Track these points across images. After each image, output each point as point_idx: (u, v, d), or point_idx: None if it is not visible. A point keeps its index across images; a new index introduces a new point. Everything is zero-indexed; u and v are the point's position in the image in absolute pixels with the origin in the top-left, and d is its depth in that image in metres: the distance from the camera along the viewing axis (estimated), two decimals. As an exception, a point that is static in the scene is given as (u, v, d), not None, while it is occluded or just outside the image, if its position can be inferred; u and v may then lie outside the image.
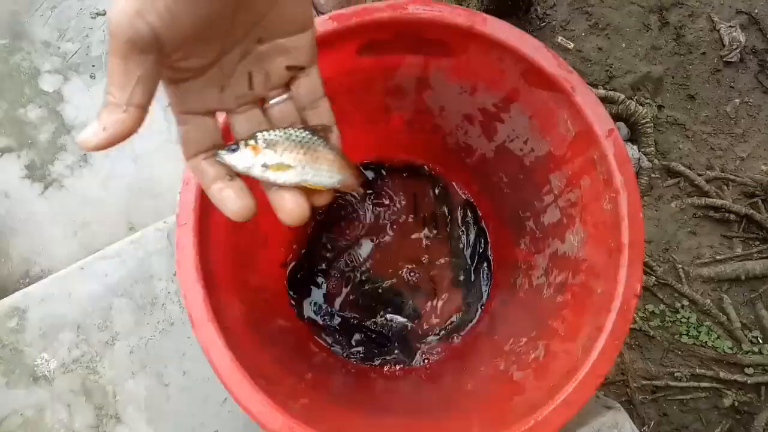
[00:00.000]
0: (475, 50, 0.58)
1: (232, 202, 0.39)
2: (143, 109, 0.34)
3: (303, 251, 0.82)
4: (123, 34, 0.31)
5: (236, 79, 0.39)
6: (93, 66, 1.12)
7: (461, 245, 0.85)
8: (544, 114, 0.60)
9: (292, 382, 0.55)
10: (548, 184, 0.66)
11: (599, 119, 0.54)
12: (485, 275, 0.84)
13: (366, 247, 0.84)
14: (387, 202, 0.86)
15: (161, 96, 1.15)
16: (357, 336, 0.79)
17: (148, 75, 0.33)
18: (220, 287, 0.52)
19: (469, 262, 0.84)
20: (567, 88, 0.55)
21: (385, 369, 0.76)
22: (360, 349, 0.78)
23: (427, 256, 0.84)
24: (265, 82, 0.40)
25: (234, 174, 0.40)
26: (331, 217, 0.84)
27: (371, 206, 0.85)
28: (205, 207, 0.51)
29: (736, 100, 1.44)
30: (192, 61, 0.36)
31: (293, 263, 0.81)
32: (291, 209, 0.40)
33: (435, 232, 0.85)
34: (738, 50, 1.46)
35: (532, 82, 0.58)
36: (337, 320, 0.79)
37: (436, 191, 0.86)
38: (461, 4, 1.44)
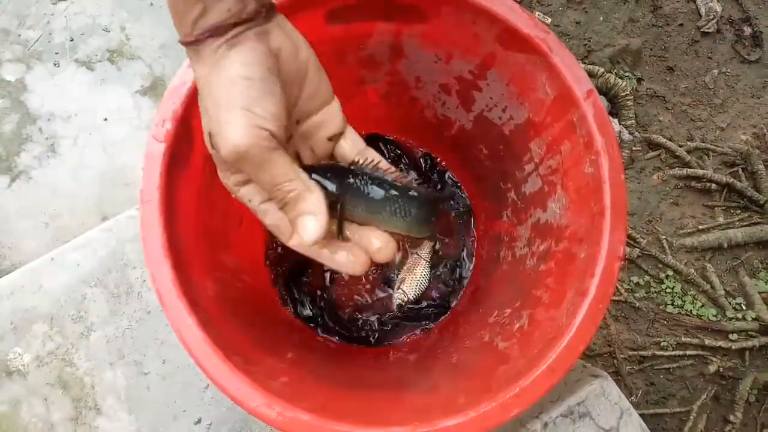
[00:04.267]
0: (448, 13, 0.57)
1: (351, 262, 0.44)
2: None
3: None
4: (256, 149, 0.36)
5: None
6: (56, 53, 1.08)
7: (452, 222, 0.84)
8: (522, 78, 0.59)
9: (272, 362, 0.53)
10: (528, 152, 0.65)
11: (577, 80, 0.53)
12: (468, 249, 0.83)
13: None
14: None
15: (131, 83, 1.10)
16: (337, 320, 0.77)
17: (291, 159, 0.39)
18: (191, 266, 0.50)
19: (459, 237, 0.83)
20: (543, 48, 0.53)
21: (368, 348, 0.75)
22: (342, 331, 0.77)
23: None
24: (312, 156, 0.46)
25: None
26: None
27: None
28: (170, 184, 0.49)
29: (715, 71, 1.44)
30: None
31: (274, 250, 0.79)
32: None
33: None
34: (715, 20, 1.46)
35: (508, 45, 0.56)
36: (320, 303, 0.78)
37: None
38: (436, -20, 1.42)
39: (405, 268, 0.78)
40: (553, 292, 0.56)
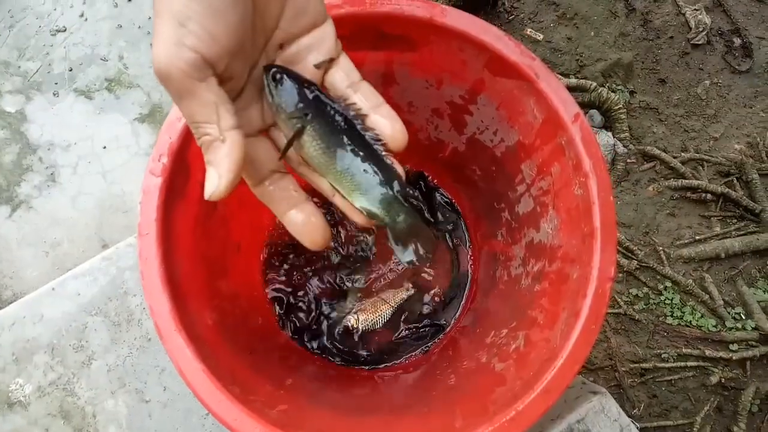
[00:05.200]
0: (436, 42, 0.58)
1: (309, 231, 0.39)
2: (239, 131, 0.34)
3: (281, 254, 0.81)
4: (176, 70, 0.31)
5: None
6: (56, 84, 1.10)
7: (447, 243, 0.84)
8: (511, 103, 0.60)
9: (270, 389, 0.54)
10: (520, 173, 0.66)
11: (564, 104, 0.54)
12: (466, 268, 0.83)
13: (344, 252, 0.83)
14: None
15: (129, 111, 1.12)
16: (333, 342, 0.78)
17: (222, 97, 0.33)
18: (189, 297, 0.51)
19: (454, 257, 0.84)
20: (530, 75, 0.54)
21: (367, 369, 0.75)
22: (340, 353, 0.77)
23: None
24: None
25: (307, 197, 0.40)
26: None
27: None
28: (167, 216, 0.50)
29: (706, 82, 1.46)
30: (234, 82, 0.36)
31: (271, 272, 0.80)
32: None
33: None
34: (704, 32, 1.48)
35: (496, 71, 0.58)
36: (315, 326, 0.78)
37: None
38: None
39: (370, 301, 0.79)
40: (548, 312, 0.57)
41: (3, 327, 0.80)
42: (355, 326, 0.77)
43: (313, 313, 0.79)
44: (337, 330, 0.78)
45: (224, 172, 0.33)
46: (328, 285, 0.81)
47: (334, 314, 0.79)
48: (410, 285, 0.80)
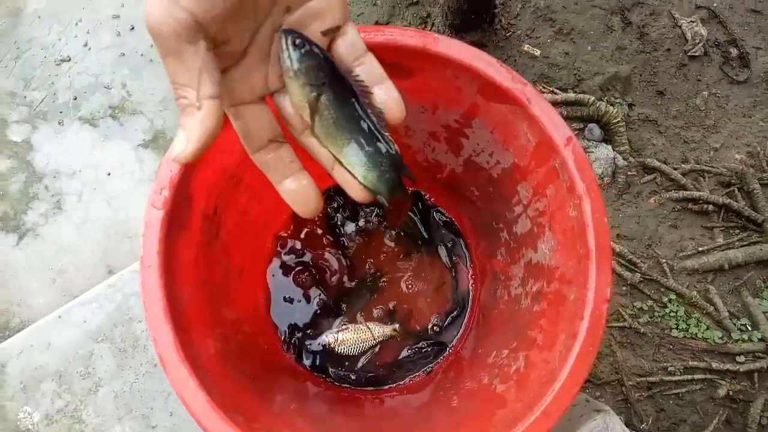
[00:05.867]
0: (430, 70, 0.59)
1: (302, 200, 0.40)
2: (217, 101, 0.34)
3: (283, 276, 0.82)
4: (166, 28, 0.30)
5: (275, 57, 0.38)
6: (61, 112, 1.12)
7: (444, 261, 0.85)
8: (505, 126, 0.61)
9: (274, 415, 0.54)
10: (517, 194, 0.67)
11: (556, 128, 0.55)
12: (467, 287, 0.84)
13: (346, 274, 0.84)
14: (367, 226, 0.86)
15: (133, 137, 1.14)
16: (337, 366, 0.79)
17: (208, 63, 0.33)
18: (192, 326, 0.52)
19: (453, 275, 0.84)
20: (522, 100, 0.56)
21: (371, 391, 0.75)
22: (344, 376, 0.78)
23: (411, 277, 0.84)
24: None
25: (302, 167, 0.41)
26: (312, 243, 0.84)
27: (350, 237, 0.85)
28: (170, 247, 0.51)
29: (705, 93, 1.46)
30: (231, 45, 0.36)
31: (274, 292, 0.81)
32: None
33: (419, 252, 0.86)
34: (701, 44, 1.49)
35: (489, 96, 0.59)
36: (318, 348, 0.79)
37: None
38: (426, 21, 1.46)
39: (354, 326, 0.80)
40: (547, 333, 0.57)
41: (11, 356, 0.81)
42: (331, 345, 0.77)
43: (312, 333, 0.80)
44: (313, 344, 0.79)
45: (193, 138, 0.33)
46: (328, 304, 0.82)
47: (321, 332, 0.80)
48: (398, 326, 0.81)
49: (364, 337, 0.78)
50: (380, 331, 0.79)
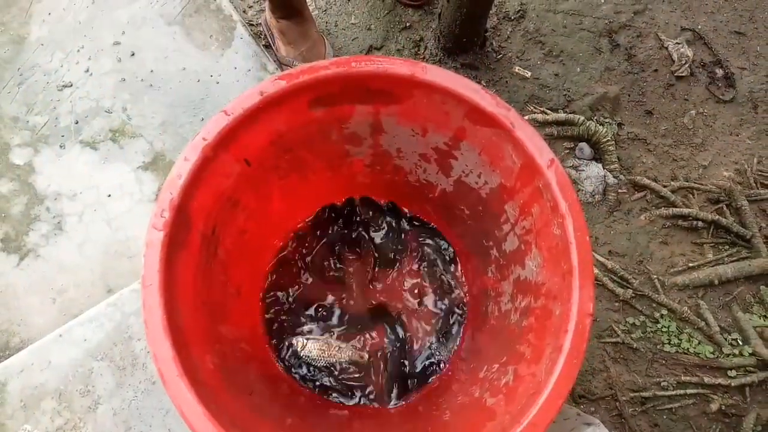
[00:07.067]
0: (419, 96, 0.62)
1: None
2: None
3: (280, 295, 0.84)
4: None
5: None
6: (62, 136, 1.15)
7: (437, 276, 0.87)
8: (491, 149, 0.64)
9: (271, 429, 0.56)
10: (504, 213, 0.69)
11: (539, 151, 0.58)
12: (461, 304, 0.86)
13: (336, 300, 0.86)
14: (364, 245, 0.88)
15: (133, 160, 1.17)
16: (331, 381, 0.80)
17: None
18: (191, 343, 0.54)
19: (444, 291, 0.86)
20: (506, 124, 0.58)
21: (365, 405, 0.77)
22: (338, 391, 0.79)
23: (405, 294, 0.86)
24: None
25: None
26: (312, 264, 0.86)
27: (345, 251, 0.87)
28: (170, 267, 0.53)
29: (692, 112, 1.50)
30: None
31: (271, 310, 0.83)
32: None
33: (414, 268, 0.87)
34: (687, 65, 1.53)
35: (476, 120, 0.62)
36: (314, 366, 0.80)
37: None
38: (419, 45, 1.50)
39: (326, 339, 0.81)
40: (534, 347, 0.59)
41: (11, 374, 0.82)
42: (298, 349, 0.79)
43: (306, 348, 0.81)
44: (286, 343, 0.81)
45: None
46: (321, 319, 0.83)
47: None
48: (367, 356, 0.82)
49: (331, 352, 0.80)
50: (347, 354, 0.81)
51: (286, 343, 0.81)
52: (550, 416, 0.50)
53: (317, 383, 0.79)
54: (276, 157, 0.68)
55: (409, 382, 0.80)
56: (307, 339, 0.80)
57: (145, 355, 0.84)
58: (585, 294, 0.53)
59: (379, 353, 0.82)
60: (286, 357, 0.80)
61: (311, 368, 0.80)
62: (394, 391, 0.79)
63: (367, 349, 0.83)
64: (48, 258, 1.05)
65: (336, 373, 0.80)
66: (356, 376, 0.81)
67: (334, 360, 0.80)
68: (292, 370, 0.80)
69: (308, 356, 0.79)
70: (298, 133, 0.63)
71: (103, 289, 1.05)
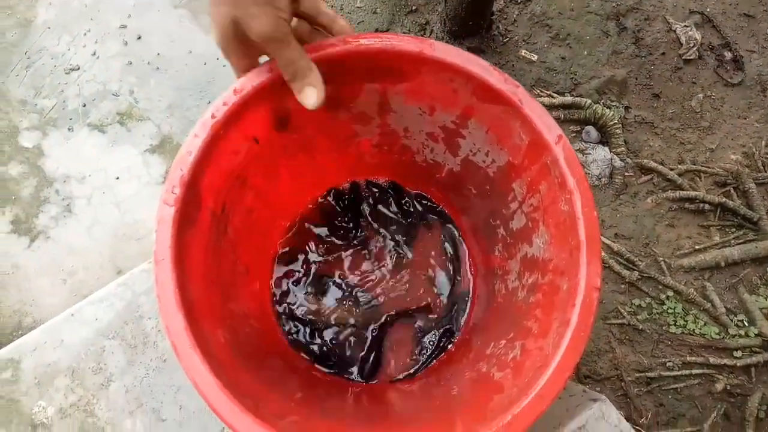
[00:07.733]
0: (427, 73, 0.62)
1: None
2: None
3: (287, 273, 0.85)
4: (279, 33, 0.53)
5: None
6: (70, 119, 1.15)
7: (443, 257, 0.87)
8: (499, 126, 0.64)
9: (281, 401, 0.57)
10: (512, 191, 0.69)
11: (547, 127, 0.58)
12: (469, 284, 0.86)
13: (351, 274, 0.86)
14: (371, 225, 0.89)
15: (140, 142, 1.18)
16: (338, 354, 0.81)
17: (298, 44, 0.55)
18: (202, 317, 0.54)
19: (451, 271, 0.87)
20: (515, 101, 0.58)
21: (376, 382, 0.78)
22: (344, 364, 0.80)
23: (408, 272, 0.87)
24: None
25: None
26: (313, 237, 0.87)
27: (354, 230, 0.88)
28: (181, 243, 0.54)
29: (700, 95, 1.49)
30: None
31: (279, 290, 0.84)
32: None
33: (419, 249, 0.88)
34: (695, 48, 1.52)
35: (483, 98, 0.62)
36: (321, 340, 0.81)
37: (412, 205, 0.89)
38: (425, 28, 1.49)
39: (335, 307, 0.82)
40: (541, 322, 0.60)
41: (25, 352, 0.84)
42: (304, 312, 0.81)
43: (318, 326, 0.82)
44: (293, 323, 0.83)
45: (320, 84, 0.57)
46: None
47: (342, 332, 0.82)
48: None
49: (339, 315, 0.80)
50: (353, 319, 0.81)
51: (293, 323, 0.82)
52: (558, 388, 0.51)
53: (327, 361, 0.80)
54: (284, 136, 0.68)
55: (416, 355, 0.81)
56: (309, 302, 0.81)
57: (156, 333, 0.85)
58: (592, 269, 0.54)
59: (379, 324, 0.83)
60: (293, 332, 0.81)
61: (323, 346, 0.81)
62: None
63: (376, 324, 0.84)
64: (58, 240, 1.07)
65: (343, 344, 0.81)
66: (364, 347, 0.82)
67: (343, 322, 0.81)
68: (302, 346, 0.81)
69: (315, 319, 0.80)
70: (307, 112, 0.64)
71: (113, 271, 1.06)
